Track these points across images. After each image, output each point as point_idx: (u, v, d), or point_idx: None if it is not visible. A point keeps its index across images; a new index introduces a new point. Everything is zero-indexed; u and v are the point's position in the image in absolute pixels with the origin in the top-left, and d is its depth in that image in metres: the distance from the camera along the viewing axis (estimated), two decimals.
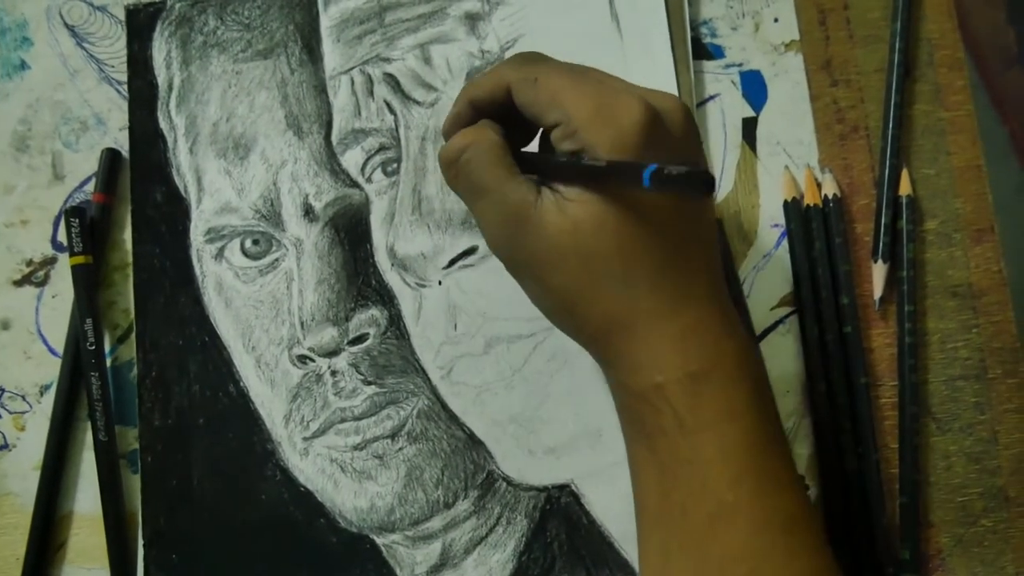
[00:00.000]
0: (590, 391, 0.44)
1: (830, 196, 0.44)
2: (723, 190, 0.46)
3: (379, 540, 0.44)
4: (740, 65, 0.47)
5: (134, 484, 0.46)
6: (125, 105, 0.50)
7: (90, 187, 0.50)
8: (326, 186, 0.47)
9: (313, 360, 0.46)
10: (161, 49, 0.50)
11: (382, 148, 0.47)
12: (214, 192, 0.48)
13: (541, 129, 0.37)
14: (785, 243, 0.45)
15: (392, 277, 0.46)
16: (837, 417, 0.43)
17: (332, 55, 0.48)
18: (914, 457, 0.42)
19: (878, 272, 0.44)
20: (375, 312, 0.46)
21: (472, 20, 0.48)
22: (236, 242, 0.47)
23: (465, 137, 0.35)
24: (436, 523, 0.44)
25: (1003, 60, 0.47)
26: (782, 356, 0.44)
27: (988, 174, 0.44)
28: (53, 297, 0.49)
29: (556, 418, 0.44)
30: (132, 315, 0.48)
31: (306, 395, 0.45)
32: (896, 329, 0.44)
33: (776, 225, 0.45)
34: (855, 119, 0.46)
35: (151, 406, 0.46)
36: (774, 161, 0.46)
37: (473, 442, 0.44)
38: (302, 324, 0.46)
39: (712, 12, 0.48)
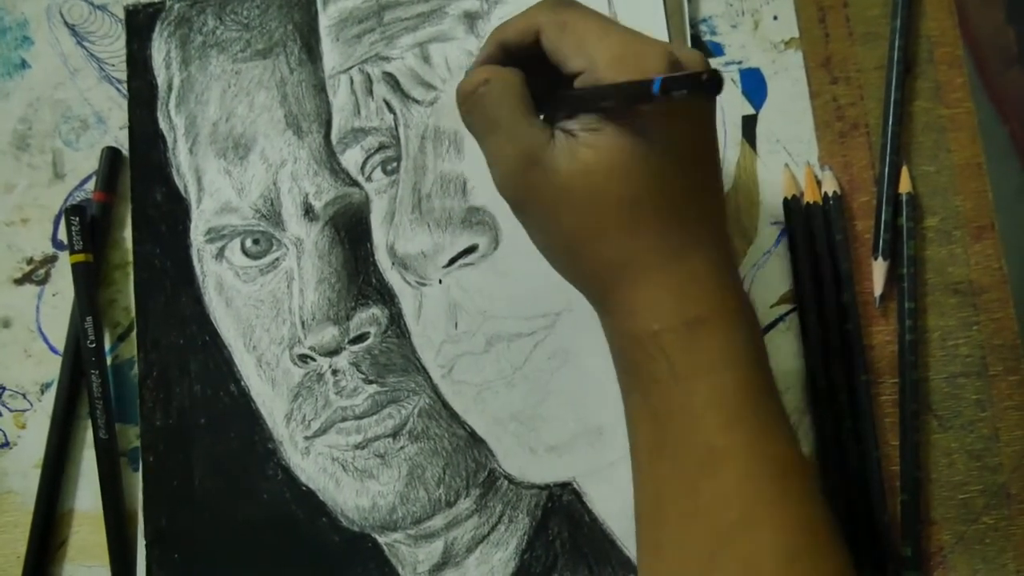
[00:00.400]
0: (591, 389, 0.44)
1: (830, 193, 0.44)
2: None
3: (381, 539, 0.44)
4: (740, 63, 0.47)
5: (134, 482, 0.46)
6: (125, 104, 0.50)
7: (90, 185, 0.50)
8: (326, 185, 0.47)
9: (314, 359, 0.46)
10: (160, 49, 0.50)
11: (382, 147, 0.47)
12: (214, 192, 0.48)
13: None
14: (785, 241, 0.45)
15: (392, 276, 0.46)
16: (838, 415, 0.43)
17: (331, 54, 0.48)
18: (915, 454, 0.42)
19: (878, 269, 0.44)
20: (376, 311, 0.46)
21: (471, 19, 0.48)
22: (236, 242, 0.47)
23: (485, 71, 0.35)
24: (438, 522, 0.44)
25: (1003, 60, 0.47)
26: (783, 354, 0.44)
27: (989, 175, 0.44)
28: (53, 295, 0.49)
29: (557, 416, 0.44)
30: (132, 313, 0.48)
31: (307, 394, 0.45)
32: (897, 326, 0.44)
33: (776, 223, 0.45)
34: (855, 116, 0.46)
35: (152, 406, 0.46)
36: (774, 159, 0.46)
37: (474, 440, 0.44)
38: (303, 323, 0.46)
39: (711, 10, 0.48)
